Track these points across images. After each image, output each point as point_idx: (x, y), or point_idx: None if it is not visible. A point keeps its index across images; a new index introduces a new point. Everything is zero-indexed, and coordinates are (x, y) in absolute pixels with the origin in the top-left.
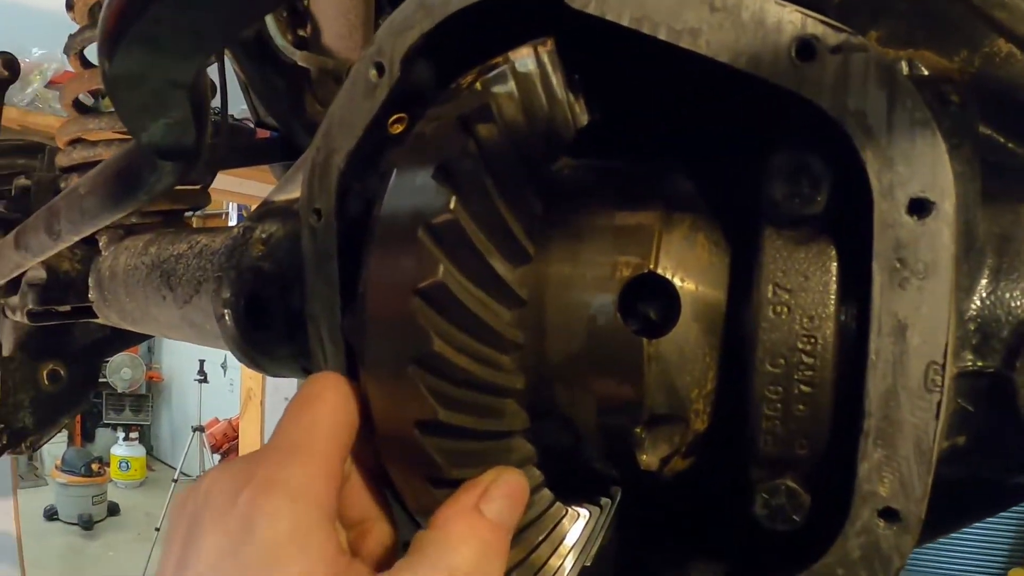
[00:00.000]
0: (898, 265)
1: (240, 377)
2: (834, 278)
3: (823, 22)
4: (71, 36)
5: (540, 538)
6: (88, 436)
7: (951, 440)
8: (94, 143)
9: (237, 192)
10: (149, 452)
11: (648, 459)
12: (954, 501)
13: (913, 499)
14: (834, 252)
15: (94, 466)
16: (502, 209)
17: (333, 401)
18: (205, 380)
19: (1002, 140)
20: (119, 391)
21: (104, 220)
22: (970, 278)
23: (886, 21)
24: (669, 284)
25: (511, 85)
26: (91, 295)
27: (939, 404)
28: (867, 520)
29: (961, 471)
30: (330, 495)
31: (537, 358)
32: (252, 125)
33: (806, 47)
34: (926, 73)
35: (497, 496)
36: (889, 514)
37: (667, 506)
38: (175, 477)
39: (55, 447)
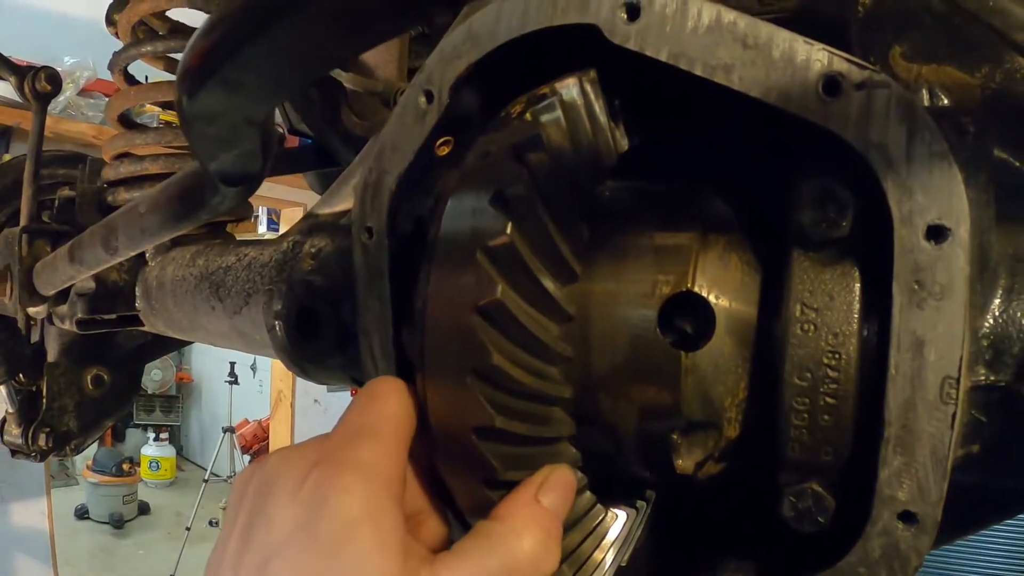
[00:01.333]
0: (916, 287)
1: (270, 379)
2: (857, 298)
3: (848, 60)
4: (115, 54)
5: (584, 536)
6: (119, 436)
7: (966, 448)
8: (141, 157)
9: (266, 196)
10: (179, 452)
11: (684, 463)
12: (970, 506)
13: (930, 503)
14: (857, 274)
15: (125, 466)
16: (553, 232)
17: (397, 398)
18: (236, 382)
19: (1018, 164)
20: (149, 392)
21: (163, 238)
22: (984, 297)
23: (910, 37)
24: (705, 301)
25: (558, 114)
26: (138, 304)
27: (954, 415)
28: (887, 522)
29: (976, 478)
30: (399, 476)
31: (583, 369)
32: (284, 131)
33: (832, 84)
34: (946, 103)
35: (553, 489)
36: (908, 516)
37: (700, 509)
38: (205, 477)
39: (87, 448)
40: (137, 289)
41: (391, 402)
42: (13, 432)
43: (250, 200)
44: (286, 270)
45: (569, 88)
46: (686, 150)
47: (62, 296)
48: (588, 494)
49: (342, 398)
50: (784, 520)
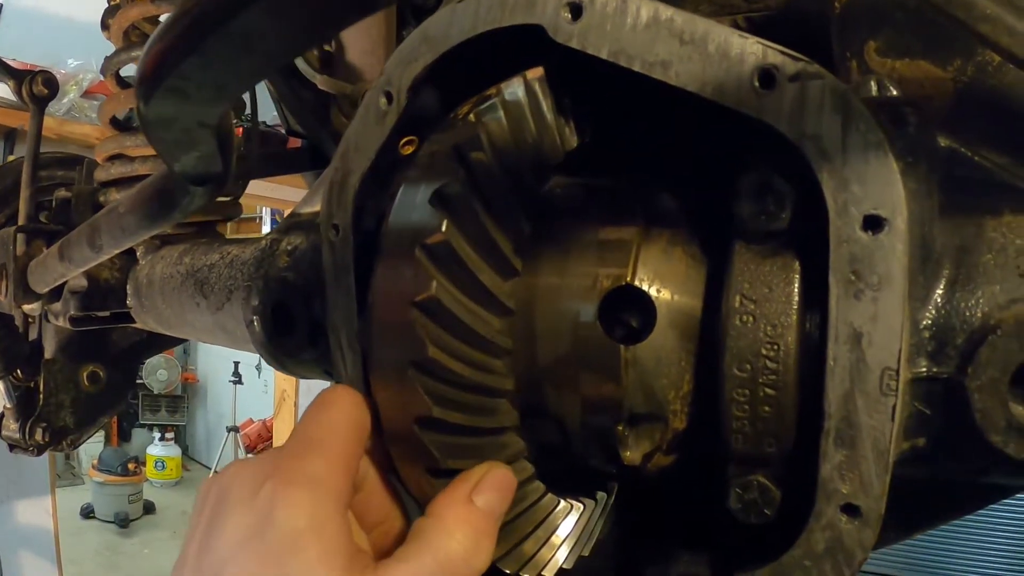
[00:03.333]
0: (853, 278)
1: (274, 379)
2: (796, 290)
3: (782, 52)
4: (107, 58)
5: (530, 528)
6: (124, 436)
7: (911, 441)
8: (132, 159)
9: (270, 197)
10: (184, 452)
11: (631, 455)
12: (923, 501)
13: (872, 496)
14: (797, 265)
15: (130, 465)
16: (491, 229)
17: (347, 406)
18: (239, 382)
19: (968, 153)
20: (155, 392)
21: (141, 236)
22: (926, 288)
23: (884, 32)
24: (645, 295)
25: (500, 114)
26: (129, 302)
27: (894, 407)
28: (831, 516)
29: (925, 472)
30: (346, 486)
31: (528, 362)
32: (284, 133)
33: (767, 76)
34: (895, 93)
35: (487, 488)
36: (851, 510)
37: (656, 502)
38: (211, 473)
39: (92, 447)
40: (128, 287)
41: (339, 410)
42: (11, 427)
43: (254, 202)
44: (264, 267)
45: (513, 88)
46: (636, 146)
47: (56, 294)
48: (537, 484)
49: None
50: (732, 512)
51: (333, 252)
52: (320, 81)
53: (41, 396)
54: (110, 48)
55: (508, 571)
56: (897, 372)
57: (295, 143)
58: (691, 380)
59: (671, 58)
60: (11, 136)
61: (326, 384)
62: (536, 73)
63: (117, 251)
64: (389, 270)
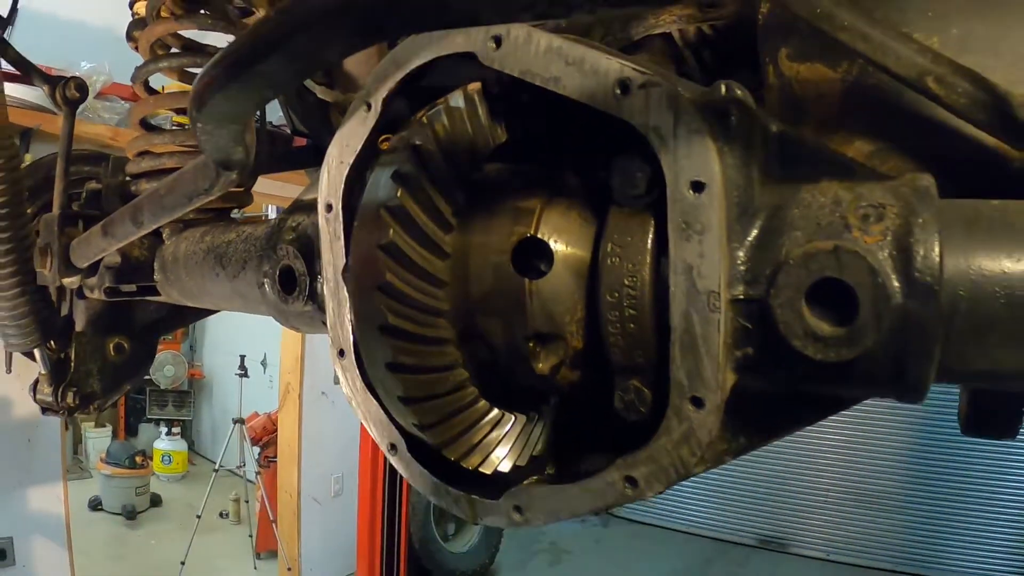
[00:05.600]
0: (684, 226)
1: (279, 373)
2: (650, 237)
3: (634, 68)
4: (138, 68)
5: (467, 425)
6: (131, 431)
7: (742, 350)
8: (159, 154)
9: (277, 195)
10: (190, 447)
11: (542, 366)
12: (770, 410)
13: (711, 389)
14: (652, 221)
15: (138, 459)
16: (434, 197)
17: None
18: (246, 374)
19: (799, 138)
20: (162, 388)
21: (178, 212)
22: (743, 234)
23: (792, 41)
24: (545, 244)
25: (444, 117)
26: (156, 276)
27: (719, 321)
28: (681, 407)
29: (762, 382)
30: None
31: (463, 295)
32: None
33: (624, 85)
34: (739, 94)
35: None
36: (696, 401)
37: (569, 414)
38: (216, 467)
39: (100, 441)
40: (155, 264)
41: None
42: (45, 391)
43: (262, 200)
44: (272, 240)
45: (456, 97)
46: (546, 140)
47: (92, 269)
48: (472, 389)
49: None
50: (617, 412)
51: (328, 225)
52: (319, 91)
53: (72, 364)
54: (122, 51)
55: (452, 457)
56: (719, 294)
57: (300, 142)
58: (582, 308)
59: (561, 75)
60: (27, 135)
61: (330, 376)
62: (475, 86)
63: (155, 226)
64: (363, 226)
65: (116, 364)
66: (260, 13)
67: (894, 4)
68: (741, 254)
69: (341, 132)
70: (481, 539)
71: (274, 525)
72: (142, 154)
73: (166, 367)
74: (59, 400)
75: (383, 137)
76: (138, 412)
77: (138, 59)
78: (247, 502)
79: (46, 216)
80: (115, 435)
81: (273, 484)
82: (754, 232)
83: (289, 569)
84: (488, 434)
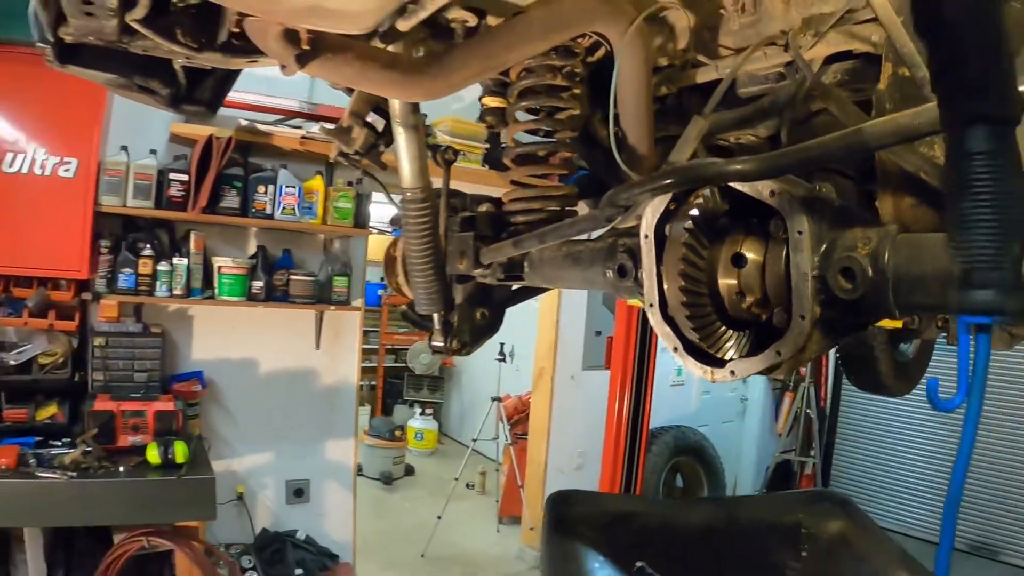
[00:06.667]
0: (796, 247)
1: (526, 363)
2: (784, 251)
3: (773, 182)
4: (503, 149)
5: (721, 342)
6: (387, 411)
7: (819, 296)
8: (529, 199)
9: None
10: (439, 428)
11: (745, 306)
12: (833, 324)
13: (808, 312)
14: (785, 245)
15: (396, 433)
16: (701, 235)
17: None
18: (504, 360)
19: (844, 207)
20: (417, 373)
21: (565, 238)
22: (817, 250)
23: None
24: (743, 255)
25: (703, 198)
26: (526, 269)
27: (809, 284)
28: (797, 321)
29: (827, 311)
30: None
31: (712, 276)
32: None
33: (771, 191)
34: (821, 191)
35: None
36: (803, 318)
37: (757, 329)
38: (474, 436)
39: (361, 418)
40: (526, 262)
41: None
42: (437, 340)
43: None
44: (612, 250)
45: (708, 190)
46: (743, 207)
47: (487, 266)
48: (723, 327)
49: (594, 375)
50: (774, 327)
51: (646, 245)
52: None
53: (455, 325)
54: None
55: (711, 351)
56: (808, 273)
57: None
58: (759, 279)
59: (748, 190)
60: (332, 166)
61: (578, 362)
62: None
63: (547, 245)
64: (671, 247)
65: (480, 326)
66: None
67: None
68: (816, 259)
69: (653, 203)
70: None
71: (521, 490)
72: (515, 200)
73: (421, 355)
74: (447, 345)
75: (672, 203)
76: (394, 394)
77: None
78: (497, 470)
79: (461, 234)
80: (372, 413)
81: (522, 458)
82: (822, 249)
83: (532, 528)
84: (726, 341)
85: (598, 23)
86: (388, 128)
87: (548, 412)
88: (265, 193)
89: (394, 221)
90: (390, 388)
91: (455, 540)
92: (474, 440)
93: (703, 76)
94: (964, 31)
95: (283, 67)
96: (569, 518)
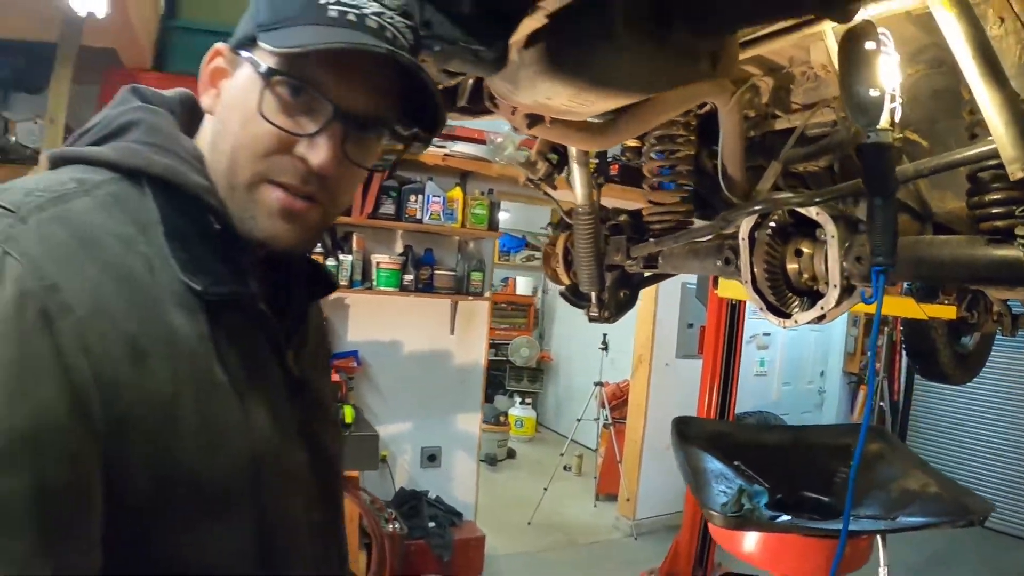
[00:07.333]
0: (831, 245)
1: (620, 354)
2: (827, 247)
3: (818, 203)
4: (645, 172)
5: (788, 302)
6: (488, 400)
7: (844, 272)
8: (662, 213)
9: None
10: (537, 418)
11: (802, 281)
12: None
13: (836, 282)
14: (827, 244)
15: (501, 418)
16: (777, 239)
17: None
18: (606, 350)
19: (858, 219)
20: (518, 365)
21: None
22: (843, 247)
23: None
24: (803, 251)
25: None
26: (660, 260)
27: (838, 265)
28: (831, 288)
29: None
30: None
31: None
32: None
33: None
34: (846, 210)
35: None
36: (835, 287)
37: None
38: (578, 417)
39: None
40: (660, 256)
41: None
42: (593, 311)
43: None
44: (721, 245)
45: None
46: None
47: (634, 258)
48: (791, 293)
49: (686, 363)
50: (819, 292)
51: (743, 244)
52: (722, 185)
53: (606, 300)
54: None
55: (783, 309)
56: (838, 260)
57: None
58: (811, 264)
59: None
60: (466, 176)
61: (673, 351)
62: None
63: (683, 243)
64: (759, 246)
65: (622, 301)
66: None
67: None
68: (841, 252)
69: (747, 218)
70: None
71: (620, 466)
72: (652, 213)
73: (522, 349)
74: (601, 315)
75: (759, 218)
76: (495, 385)
77: None
78: (595, 451)
79: (616, 237)
80: None
81: (620, 439)
82: (844, 247)
83: (627, 500)
84: (792, 302)
85: (710, 97)
86: (561, 162)
87: (646, 395)
88: (416, 201)
89: (551, 224)
90: (492, 379)
91: (558, 511)
92: (578, 420)
93: (780, 124)
94: None
95: (515, 128)
96: (688, 434)
